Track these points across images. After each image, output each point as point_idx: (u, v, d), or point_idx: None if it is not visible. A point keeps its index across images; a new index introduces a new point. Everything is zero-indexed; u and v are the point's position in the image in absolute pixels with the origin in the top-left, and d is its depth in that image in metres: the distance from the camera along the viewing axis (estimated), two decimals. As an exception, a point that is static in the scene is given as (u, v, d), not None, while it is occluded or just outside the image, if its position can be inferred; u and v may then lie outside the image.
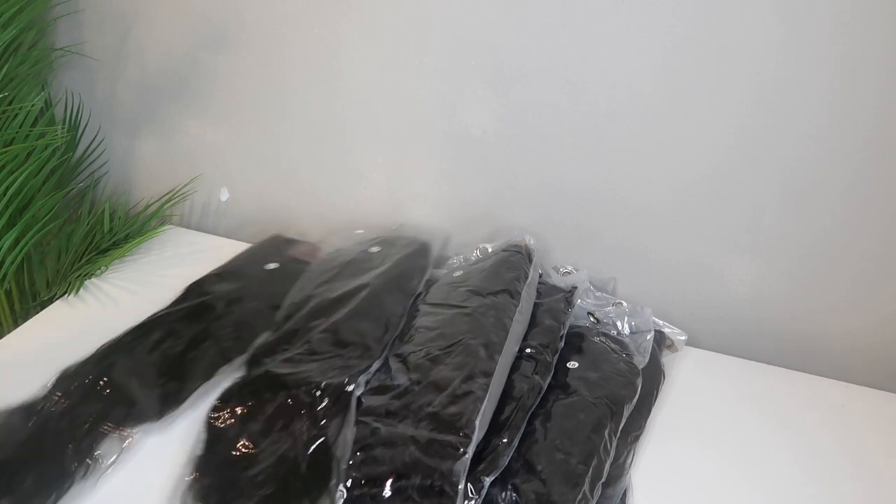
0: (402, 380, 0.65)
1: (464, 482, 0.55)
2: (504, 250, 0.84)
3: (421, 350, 0.69)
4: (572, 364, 0.73)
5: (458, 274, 0.83)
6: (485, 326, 0.70)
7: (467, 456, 0.56)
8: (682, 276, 0.88)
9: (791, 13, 0.69)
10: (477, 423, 0.59)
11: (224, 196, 1.06)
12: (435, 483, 0.54)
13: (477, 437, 0.58)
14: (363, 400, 0.65)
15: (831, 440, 0.74)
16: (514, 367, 0.69)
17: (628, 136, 0.81)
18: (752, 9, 0.70)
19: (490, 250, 0.88)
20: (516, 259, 0.81)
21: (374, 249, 0.89)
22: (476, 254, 0.89)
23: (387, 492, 0.55)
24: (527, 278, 0.79)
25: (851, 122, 0.73)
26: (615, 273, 0.91)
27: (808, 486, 0.68)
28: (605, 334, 0.79)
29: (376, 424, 0.61)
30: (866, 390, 0.82)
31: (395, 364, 0.68)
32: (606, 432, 0.65)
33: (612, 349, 0.76)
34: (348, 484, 0.56)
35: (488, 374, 0.64)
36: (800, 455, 0.72)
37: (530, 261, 0.82)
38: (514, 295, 0.75)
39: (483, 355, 0.66)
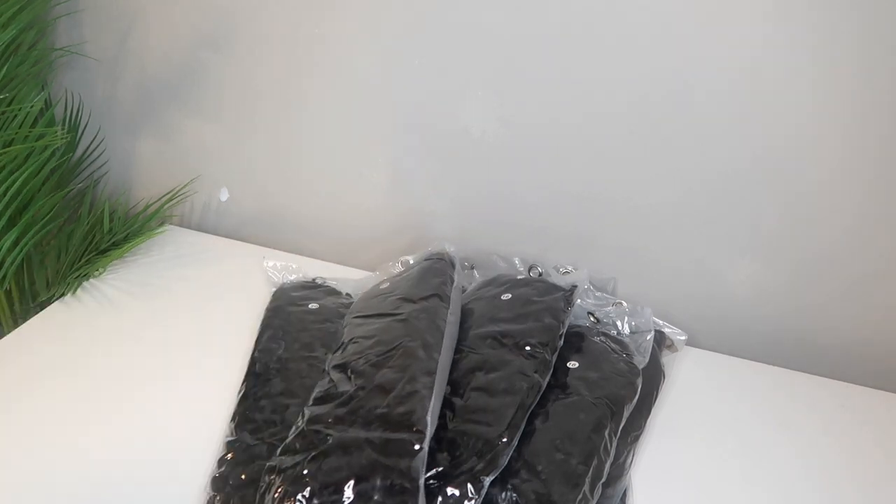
0: (346, 387, 0.66)
1: (423, 478, 0.56)
2: (427, 259, 0.87)
3: (360, 358, 0.69)
4: (572, 364, 0.73)
5: (384, 286, 0.85)
6: (420, 329, 0.71)
7: (423, 451, 0.57)
8: (683, 276, 0.88)
9: (794, 12, 0.69)
10: (428, 419, 0.60)
11: (224, 196, 1.06)
12: (395, 482, 0.55)
13: (430, 432, 0.59)
14: (307, 411, 0.65)
15: (831, 440, 0.74)
16: (514, 365, 0.69)
17: (629, 135, 0.81)
18: (753, 8, 0.70)
19: (412, 262, 0.90)
20: (440, 265, 0.84)
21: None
22: (398, 266, 0.92)
23: (348, 496, 0.54)
24: (453, 282, 0.82)
25: (855, 124, 0.73)
26: (615, 273, 0.91)
27: (808, 486, 0.68)
28: (605, 334, 0.79)
29: (328, 432, 0.60)
30: (866, 390, 0.82)
31: (336, 375, 0.69)
32: (606, 432, 0.65)
33: (612, 349, 0.76)
34: (306, 494, 0.55)
35: (431, 373, 0.66)
36: (799, 455, 0.72)
37: (453, 266, 0.85)
38: (444, 298, 0.78)
39: (423, 356, 0.67)
